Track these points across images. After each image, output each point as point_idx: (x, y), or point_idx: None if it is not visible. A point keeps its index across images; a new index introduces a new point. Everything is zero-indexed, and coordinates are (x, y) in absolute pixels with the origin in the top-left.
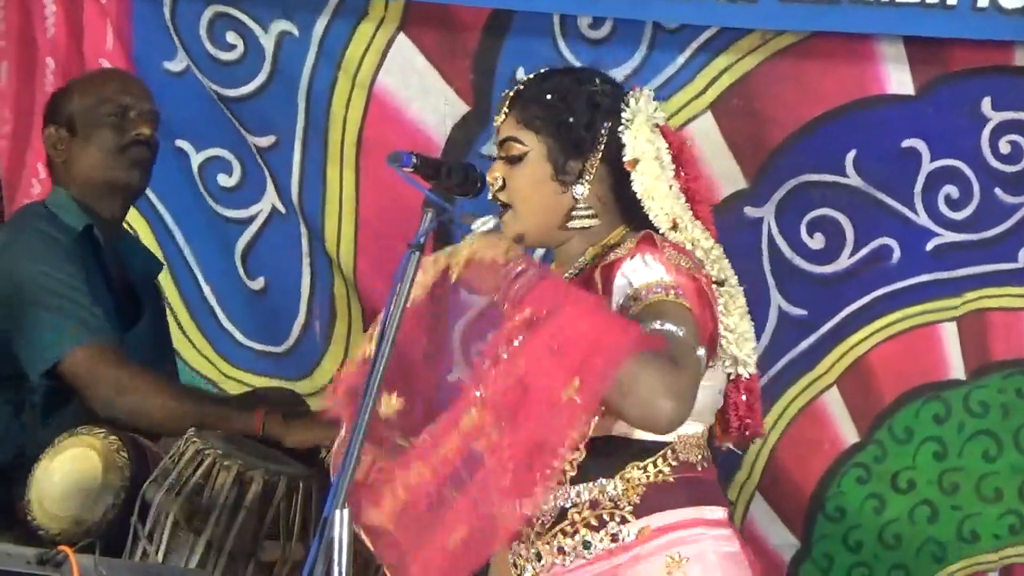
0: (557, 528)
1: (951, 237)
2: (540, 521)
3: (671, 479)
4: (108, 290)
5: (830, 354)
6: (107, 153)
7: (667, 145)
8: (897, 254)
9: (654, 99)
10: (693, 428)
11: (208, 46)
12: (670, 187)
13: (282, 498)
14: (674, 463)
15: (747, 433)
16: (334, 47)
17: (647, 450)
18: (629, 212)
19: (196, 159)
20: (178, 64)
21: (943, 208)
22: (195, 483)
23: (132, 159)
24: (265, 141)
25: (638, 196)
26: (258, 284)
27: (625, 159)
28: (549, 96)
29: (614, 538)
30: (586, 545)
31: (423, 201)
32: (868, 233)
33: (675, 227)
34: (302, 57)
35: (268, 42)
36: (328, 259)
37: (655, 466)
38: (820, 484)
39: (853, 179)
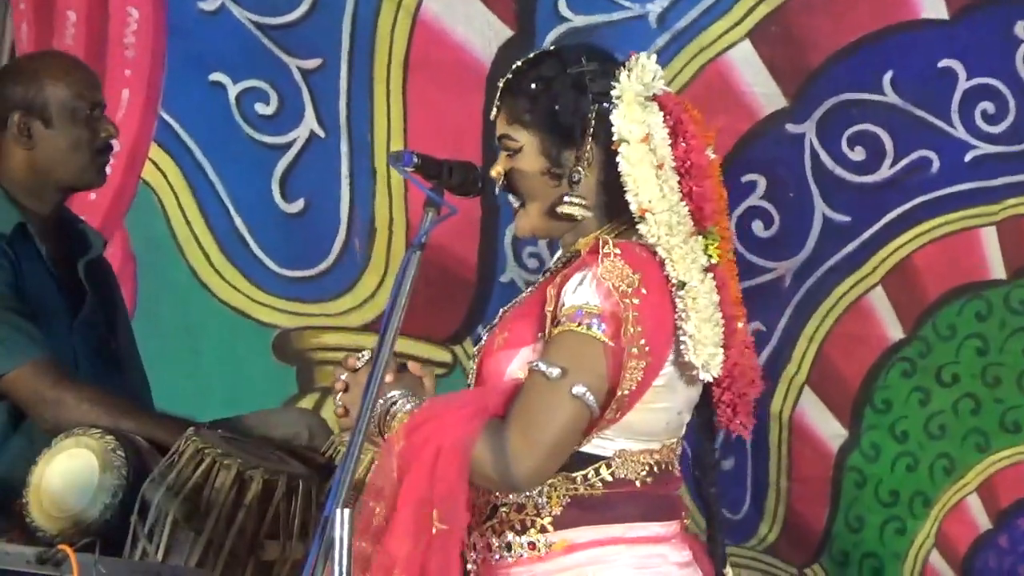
0: (487, 524)
1: (989, 149)
2: (478, 511)
3: (601, 493)
4: (53, 281)
5: (874, 256)
6: (81, 154)
7: (663, 118)
8: (936, 164)
9: (657, 62)
10: (638, 445)
11: None
12: (659, 169)
13: (282, 497)
14: (608, 478)
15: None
16: None
17: (581, 461)
18: (622, 200)
19: (233, 90)
20: (212, 3)
21: (980, 122)
22: (195, 482)
23: (103, 163)
24: (311, 64)
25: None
26: (296, 207)
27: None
28: (534, 86)
29: (532, 546)
30: (508, 547)
31: (424, 200)
32: (907, 146)
33: (643, 217)
34: None
35: None
36: (371, 179)
37: (586, 479)
38: (867, 377)
39: (891, 97)
